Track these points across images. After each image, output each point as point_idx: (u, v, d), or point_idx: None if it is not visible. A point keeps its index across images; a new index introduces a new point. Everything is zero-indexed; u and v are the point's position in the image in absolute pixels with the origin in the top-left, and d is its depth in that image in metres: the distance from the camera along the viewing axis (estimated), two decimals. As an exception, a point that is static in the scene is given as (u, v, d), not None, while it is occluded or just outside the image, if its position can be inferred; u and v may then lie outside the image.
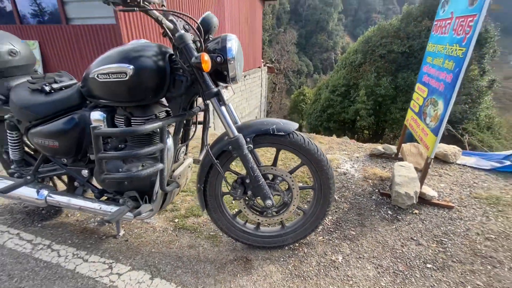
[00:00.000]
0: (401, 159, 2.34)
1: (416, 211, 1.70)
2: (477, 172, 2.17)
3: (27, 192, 1.47)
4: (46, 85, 1.37)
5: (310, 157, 1.27)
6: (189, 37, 1.08)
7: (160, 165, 1.18)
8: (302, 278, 1.30)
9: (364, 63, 13.42)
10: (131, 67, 1.08)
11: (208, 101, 1.16)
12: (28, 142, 1.61)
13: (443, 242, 1.48)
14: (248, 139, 1.20)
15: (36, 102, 1.33)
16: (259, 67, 9.75)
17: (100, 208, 1.38)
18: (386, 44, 12.71)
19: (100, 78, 1.12)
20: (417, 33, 12.19)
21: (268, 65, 10.50)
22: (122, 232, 1.61)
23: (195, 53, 1.05)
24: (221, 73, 1.14)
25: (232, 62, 1.10)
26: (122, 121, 1.28)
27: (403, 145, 2.36)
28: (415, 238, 1.51)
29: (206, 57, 1.00)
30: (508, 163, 2.20)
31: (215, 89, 1.12)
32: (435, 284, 1.24)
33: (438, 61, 1.72)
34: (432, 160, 1.69)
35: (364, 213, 1.73)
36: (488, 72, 11.99)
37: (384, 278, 1.28)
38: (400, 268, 1.33)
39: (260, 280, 1.29)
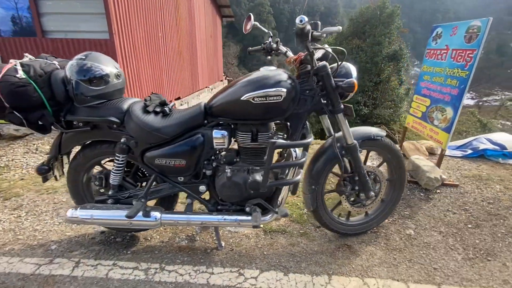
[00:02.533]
0: (404, 155, 2.96)
1: (438, 191, 2.26)
2: (455, 159, 2.93)
3: (138, 216, 1.44)
4: (160, 107, 1.43)
5: (393, 155, 1.66)
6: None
7: (301, 171, 1.39)
8: (397, 250, 1.65)
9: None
10: (284, 90, 1.29)
11: (337, 115, 1.43)
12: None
13: (467, 209, 2.04)
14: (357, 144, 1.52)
15: (165, 124, 1.37)
16: (221, 81, 9.98)
17: (224, 219, 1.47)
18: (326, 59, 14.51)
19: (256, 101, 1.28)
20: (350, 50, 14.34)
21: (228, 78, 10.81)
22: (223, 243, 1.69)
23: (345, 79, 1.33)
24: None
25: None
26: (246, 137, 1.43)
27: (404, 143, 2.99)
28: (449, 209, 2.04)
29: (356, 82, 1.29)
30: (469, 151, 3.03)
31: (342, 105, 1.41)
32: (480, 237, 1.76)
33: (438, 79, 2.36)
34: (444, 151, 2.29)
35: (405, 197, 2.20)
36: (404, 83, 14.89)
37: (449, 239, 1.74)
38: (454, 231, 1.82)
39: (370, 258, 1.59)
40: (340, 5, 72.51)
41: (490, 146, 3.00)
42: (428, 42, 2.53)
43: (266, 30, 1.74)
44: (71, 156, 1.61)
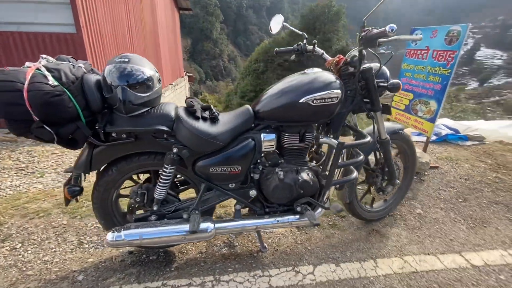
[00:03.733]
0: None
1: (426, 173, 2.62)
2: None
3: (185, 227, 1.35)
4: (206, 112, 1.36)
5: (408, 146, 1.87)
6: None
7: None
8: (416, 229, 1.88)
9: (266, 70, 15.31)
10: (340, 91, 1.34)
11: (375, 113, 1.54)
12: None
13: (452, 186, 2.42)
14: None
15: (220, 131, 1.30)
16: (182, 77, 9.52)
17: (278, 221, 1.48)
18: (281, 54, 15.02)
19: (315, 103, 1.31)
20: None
21: (188, 74, 10.35)
22: (266, 245, 1.69)
23: (389, 79, 1.44)
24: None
25: None
26: (295, 138, 1.45)
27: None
28: (440, 188, 2.39)
29: (400, 82, 1.42)
30: (435, 137, 3.54)
31: (381, 104, 1.53)
32: (471, 208, 2.11)
33: (420, 76, 2.69)
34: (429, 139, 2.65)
35: (403, 181, 2.49)
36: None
37: (450, 214, 2.05)
38: (451, 206, 2.15)
39: (399, 239, 1.78)
40: (285, 0, 74.95)
41: (449, 131, 3.56)
42: (407, 43, 2.86)
43: (300, 32, 1.77)
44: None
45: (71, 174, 1.32)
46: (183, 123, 1.26)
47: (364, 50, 1.36)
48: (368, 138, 1.44)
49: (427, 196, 2.28)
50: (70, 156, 3.02)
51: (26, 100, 1.01)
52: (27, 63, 1.14)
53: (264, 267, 1.53)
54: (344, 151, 1.50)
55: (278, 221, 1.49)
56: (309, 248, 1.69)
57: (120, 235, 1.29)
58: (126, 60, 1.17)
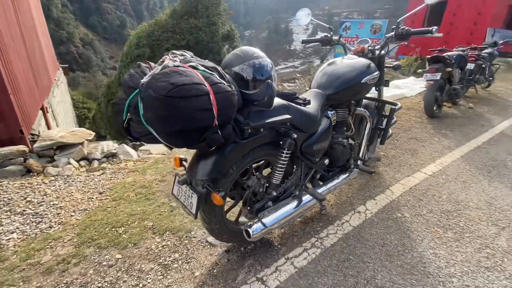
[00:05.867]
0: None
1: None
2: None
3: (307, 200, 1.54)
4: (299, 99, 1.54)
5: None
6: None
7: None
8: (392, 164, 2.73)
9: (154, 56, 13.89)
10: (378, 72, 1.82)
11: (381, 86, 2.12)
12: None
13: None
14: None
15: (317, 112, 1.53)
16: (59, 69, 7.46)
17: (344, 178, 1.89)
18: (168, 38, 13.97)
19: (370, 82, 1.73)
20: (189, 29, 14.53)
21: (62, 65, 8.14)
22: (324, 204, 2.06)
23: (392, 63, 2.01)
24: None
25: None
26: (345, 112, 1.85)
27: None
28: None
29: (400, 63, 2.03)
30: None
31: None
32: (404, 144, 3.20)
33: (353, 57, 3.56)
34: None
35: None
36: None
37: (398, 150, 3.04)
38: (395, 146, 3.16)
39: (387, 173, 2.56)
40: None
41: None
42: (340, 31, 3.67)
43: (327, 25, 2.07)
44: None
45: (201, 189, 1.18)
46: (298, 110, 1.40)
47: (389, 42, 1.88)
48: (399, 104, 2.02)
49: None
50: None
51: (215, 103, 0.91)
52: (167, 62, 0.95)
53: (338, 217, 1.91)
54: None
55: (344, 178, 1.89)
56: (349, 195, 2.19)
57: (260, 225, 1.34)
58: (255, 55, 1.18)
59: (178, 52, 1.11)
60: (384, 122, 2.12)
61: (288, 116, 1.30)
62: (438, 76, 3.72)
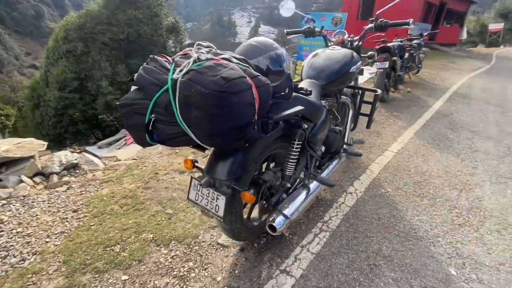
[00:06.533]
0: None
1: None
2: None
3: (315, 187, 1.59)
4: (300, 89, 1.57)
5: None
6: None
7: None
8: (378, 132, 2.99)
9: (89, 52, 12.30)
10: (361, 61, 1.95)
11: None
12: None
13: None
14: None
15: (319, 102, 1.56)
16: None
17: (338, 162, 2.01)
18: (104, 31, 12.48)
19: (356, 71, 1.84)
20: (127, 21, 13.19)
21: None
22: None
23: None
24: None
25: None
26: (334, 100, 1.95)
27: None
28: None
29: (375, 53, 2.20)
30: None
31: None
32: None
33: (316, 49, 3.73)
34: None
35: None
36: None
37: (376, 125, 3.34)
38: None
39: (377, 137, 2.80)
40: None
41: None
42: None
43: (310, 17, 2.11)
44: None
45: (224, 192, 1.12)
46: (306, 100, 1.42)
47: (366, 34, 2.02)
48: (379, 91, 2.19)
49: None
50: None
51: (257, 97, 0.86)
52: (199, 56, 0.86)
53: (334, 200, 2.02)
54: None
55: (337, 163, 2.01)
56: (337, 179, 2.33)
57: (283, 218, 1.34)
58: (274, 46, 1.15)
59: (204, 44, 1.01)
60: (369, 109, 2.30)
61: (301, 107, 1.31)
62: (387, 64, 4.16)
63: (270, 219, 1.33)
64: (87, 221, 1.80)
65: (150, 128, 0.90)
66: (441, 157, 2.81)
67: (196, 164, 1.26)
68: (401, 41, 5.33)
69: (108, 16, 12.89)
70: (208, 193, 1.17)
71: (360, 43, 2.14)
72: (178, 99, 0.82)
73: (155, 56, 0.99)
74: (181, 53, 0.98)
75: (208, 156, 1.22)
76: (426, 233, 1.76)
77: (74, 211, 1.91)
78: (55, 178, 2.38)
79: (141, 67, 0.96)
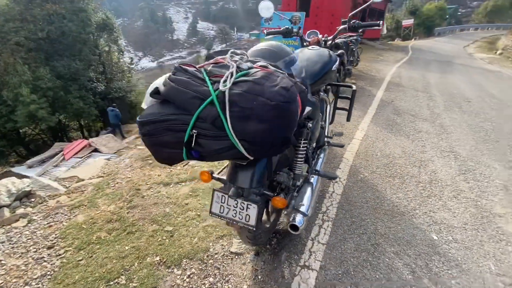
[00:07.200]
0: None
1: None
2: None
3: (316, 181, 1.68)
4: None
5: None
6: None
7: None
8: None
9: (0, 53, 10.15)
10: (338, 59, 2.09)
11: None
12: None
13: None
14: None
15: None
16: None
17: (325, 153, 2.14)
18: (17, 29, 10.44)
19: (334, 69, 1.97)
20: (46, 17, 11.29)
21: None
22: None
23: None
24: None
25: None
26: (317, 98, 2.08)
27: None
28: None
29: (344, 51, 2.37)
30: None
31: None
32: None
33: (277, 46, 3.83)
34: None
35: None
36: (124, 53, 15.04)
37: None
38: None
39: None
40: None
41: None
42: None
43: (287, 18, 2.14)
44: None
45: (253, 199, 1.10)
46: (310, 100, 1.48)
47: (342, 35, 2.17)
48: (354, 87, 2.37)
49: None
50: None
51: (300, 103, 0.86)
52: (259, 60, 0.82)
53: (325, 191, 2.16)
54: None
55: (324, 156, 2.13)
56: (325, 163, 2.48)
57: (302, 216, 1.38)
58: (287, 50, 1.17)
59: (239, 51, 0.95)
60: (348, 104, 2.48)
61: (310, 108, 1.36)
62: (339, 60, 4.54)
63: (291, 219, 1.36)
64: (72, 256, 1.55)
65: (192, 144, 0.83)
66: (396, 140, 3.22)
67: (214, 175, 1.21)
68: (345, 37, 5.86)
69: (21, 11, 10.85)
70: (236, 204, 1.13)
71: (334, 42, 2.29)
72: (231, 112, 0.77)
73: (182, 66, 0.90)
74: (212, 61, 0.92)
75: (229, 167, 1.18)
76: (405, 208, 2.02)
77: (49, 247, 1.63)
78: (6, 213, 1.98)
79: (166, 78, 0.86)
